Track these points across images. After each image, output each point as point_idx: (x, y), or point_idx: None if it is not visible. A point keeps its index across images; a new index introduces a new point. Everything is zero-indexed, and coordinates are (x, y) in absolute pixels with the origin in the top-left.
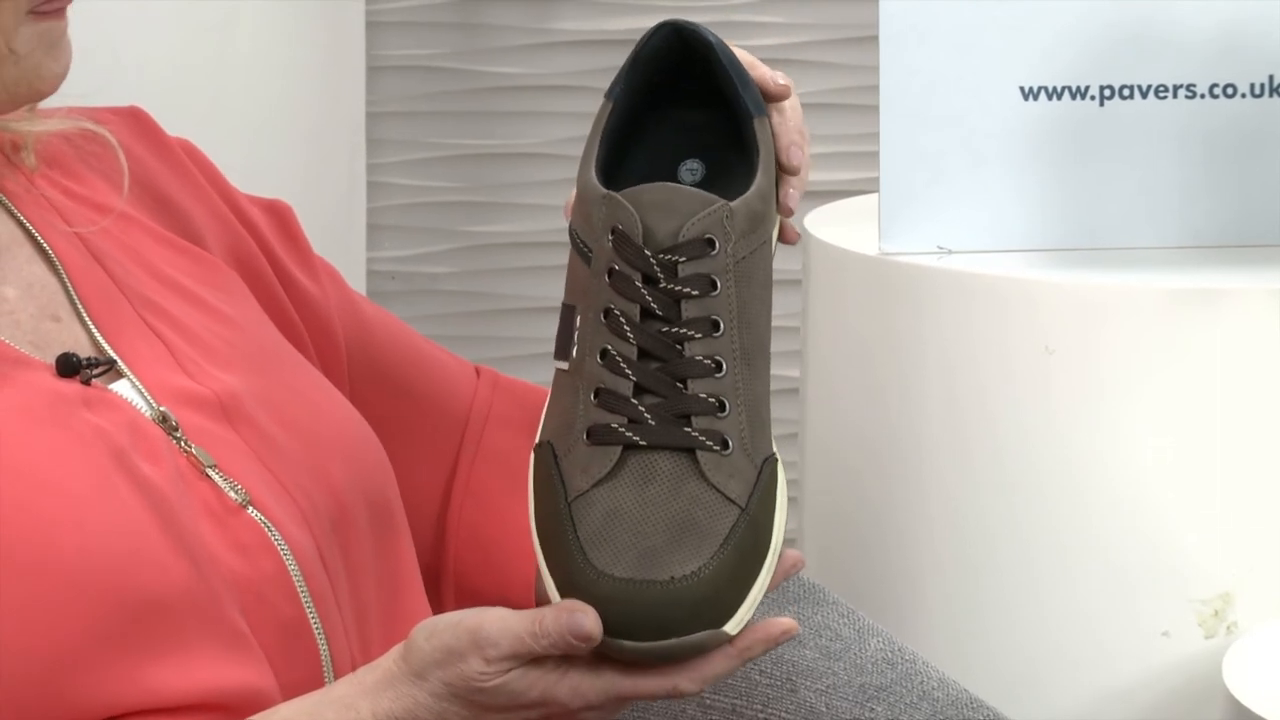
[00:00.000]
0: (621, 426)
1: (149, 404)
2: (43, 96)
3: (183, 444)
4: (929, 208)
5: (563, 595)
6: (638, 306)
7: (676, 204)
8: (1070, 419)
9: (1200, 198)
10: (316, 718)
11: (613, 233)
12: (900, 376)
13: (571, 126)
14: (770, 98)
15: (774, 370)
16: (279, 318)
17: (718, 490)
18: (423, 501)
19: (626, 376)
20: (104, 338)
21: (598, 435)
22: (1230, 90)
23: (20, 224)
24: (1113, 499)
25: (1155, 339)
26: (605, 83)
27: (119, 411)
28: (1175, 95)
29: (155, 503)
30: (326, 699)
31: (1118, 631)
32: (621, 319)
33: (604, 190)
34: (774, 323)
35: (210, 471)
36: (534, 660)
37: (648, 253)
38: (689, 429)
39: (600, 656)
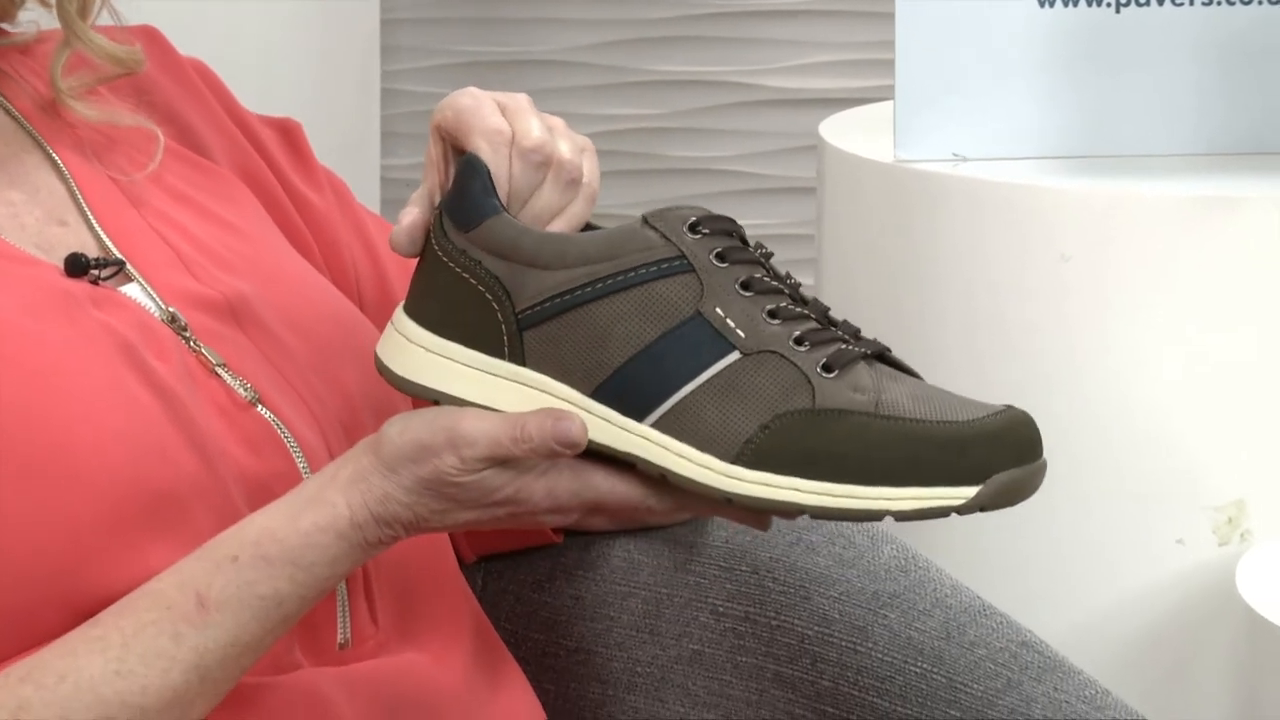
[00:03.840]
0: (847, 346)
1: (158, 304)
2: None
3: (191, 343)
4: (944, 115)
5: (957, 460)
6: (759, 266)
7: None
8: (1085, 326)
9: (1217, 105)
10: (294, 518)
11: (692, 227)
12: (916, 284)
13: (588, 33)
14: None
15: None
16: (288, 231)
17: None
18: None
19: (806, 316)
20: (112, 242)
21: (840, 359)
22: None
23: (29, 134)
24: (1127, 406)
25: (1171, 246)
26: None
27: (127, 311)
28: (1192, 2)
29: (165, 397)
30: (300, 497)
31: (1131, 539)
32: (763, 276)
33: (638, 218)
34: (789, 230)
35: (219, 370)
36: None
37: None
38: (871, 338)
39: (579, 459)
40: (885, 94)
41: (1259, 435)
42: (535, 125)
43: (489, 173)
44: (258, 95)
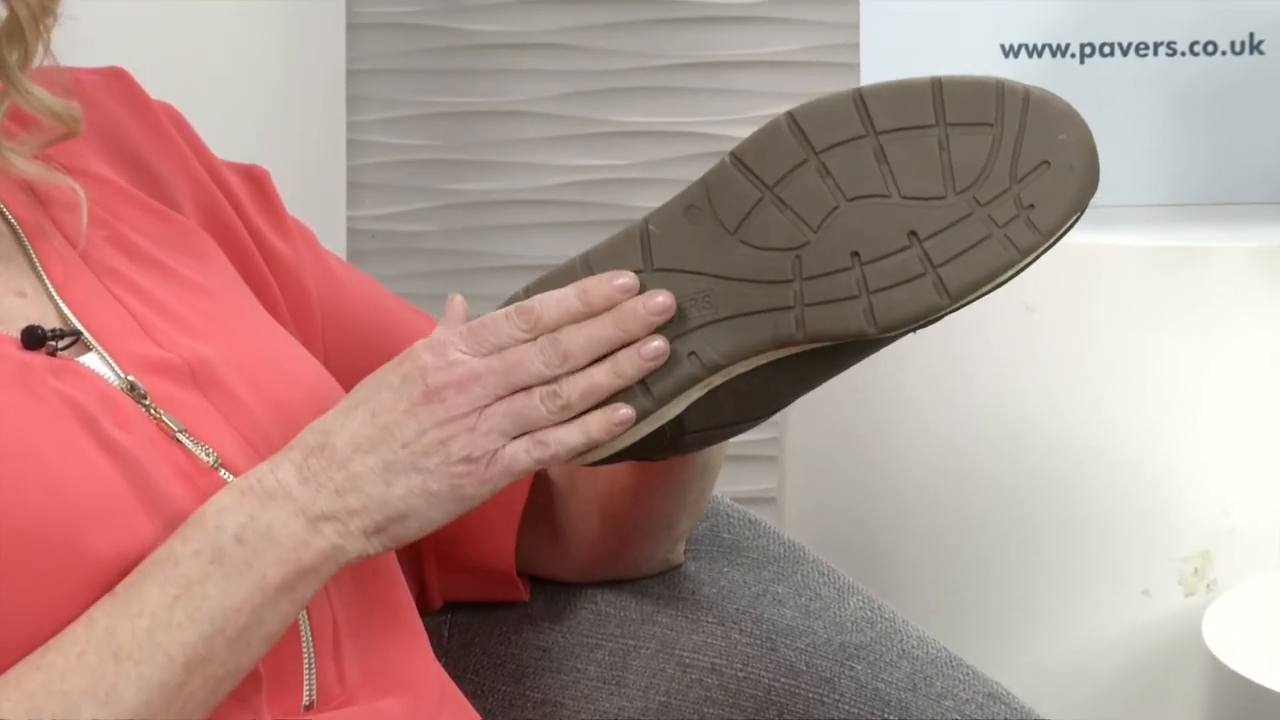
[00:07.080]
0: None
1: (116, 374)
2: None
3: (152, 411)
4: None
5: None
6: None
7: None
8: (1050, 377)
9: (1181, 156)
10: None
11: None
12: None
13: (553, 84)
14: None
15: None
16: (254, 280)
17: None
18: None
19: None
20: (70, 311)
21: None
22: (1211, 48)
23: None
24: (1093, 457)
25: (1136, 297)
26: (588, 41)
27: (87, 381)
28: (1156, 53)
29: (125, 464)
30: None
31: (1098, 589)
32: None
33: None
34: None
35: (181, 436)
36: None
37: None
38: None
39: None
40: None
41: (1225, 485)
42: None
43: None
44: (222, 145)
